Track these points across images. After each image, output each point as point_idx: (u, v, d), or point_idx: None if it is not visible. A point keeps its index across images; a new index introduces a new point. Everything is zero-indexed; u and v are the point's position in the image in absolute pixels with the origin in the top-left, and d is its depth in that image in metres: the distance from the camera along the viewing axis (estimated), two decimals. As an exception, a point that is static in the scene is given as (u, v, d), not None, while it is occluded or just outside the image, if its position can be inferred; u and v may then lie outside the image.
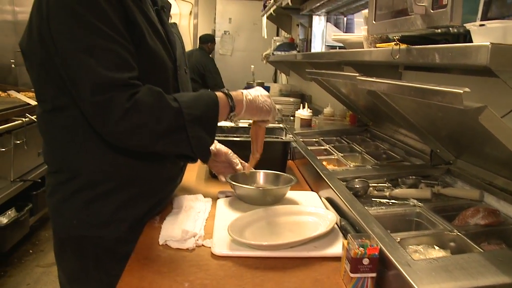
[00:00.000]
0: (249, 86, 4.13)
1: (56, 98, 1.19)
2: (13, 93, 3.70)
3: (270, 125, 2.34)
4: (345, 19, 4.04)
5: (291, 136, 1.91)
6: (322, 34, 3.90)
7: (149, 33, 1.21)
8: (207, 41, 6.25)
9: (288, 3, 3.36)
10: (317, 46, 3.89)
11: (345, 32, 4.00)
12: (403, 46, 1.34)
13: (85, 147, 1.22)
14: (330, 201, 1.47)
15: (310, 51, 3.84)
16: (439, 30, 1.31)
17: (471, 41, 1.12)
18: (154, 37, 1.24)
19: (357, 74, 1.57)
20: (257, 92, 1.36)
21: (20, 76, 4.51)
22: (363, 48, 1.83)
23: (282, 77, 5.51)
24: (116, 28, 1.11)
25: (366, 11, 1.76)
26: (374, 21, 1.59)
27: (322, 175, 1.59)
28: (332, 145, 2.23)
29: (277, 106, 3.31)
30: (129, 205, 1.28)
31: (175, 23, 1.52)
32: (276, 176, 1.61)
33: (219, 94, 1.26)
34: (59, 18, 1.09)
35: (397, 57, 1.35)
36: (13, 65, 4.47)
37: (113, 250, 1.26)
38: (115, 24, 1.11)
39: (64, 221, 1.27)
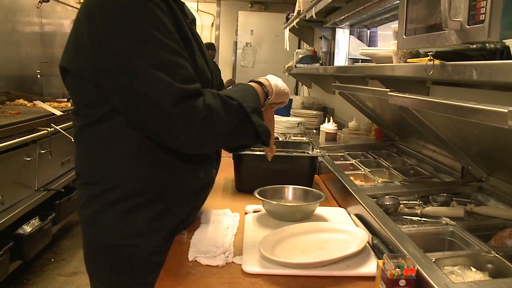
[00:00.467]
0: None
1: (100, 111, 1.21)
2: (39, 103, 3.76)
3: (297, 138, 2.33)
4: (368, 32, 4.02)
5: (318, 150, 1.88)
6: (345, 47, 3.88)
7: (195, 48, 1.27)
8: (208, 48, 6.33)
9: (312, 16, 3.35)
10: (340, 59, 3.88)
11: (369, 45, 3.99)
12: (437, 62, 1.31)
13: (124, 159, 1.24)
14: (360, 218, 1.45)
15: (333, 64, 3.83)
16: (474, 46, 1.28)
17: (509, 57, 1.09)
18: (198, 51, 1.29)
19: (387, 90, 1.54)
20: (273, 77, 1.43)
21: (45, 86, 4.59)
22: (392, 62, 1.81)
23: (304, 90, 5.50)
24: (178, 42, 1.17)
25: (395, 25, 1.74)
26: (405, 35, 1.57)
27: (352, 191, 1.57)
28: (358, 160, 2.21)
29: (300, 119, 3.33)
30: (164, 215, 1.30)
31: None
32: (305, 191, 1.59)
33: (252, 84, 1.36)
34: (123, 35, 1.12)
35: (431, 73, 1.33)
36: (39, 76, 4.56)
37: (147, 260, 1.27)
38: (177, 38, 1.17)
39: (99, 231, 1.29)
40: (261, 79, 1.39)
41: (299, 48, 5.86)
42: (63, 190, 3.40)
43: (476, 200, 1.55)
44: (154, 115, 1.13)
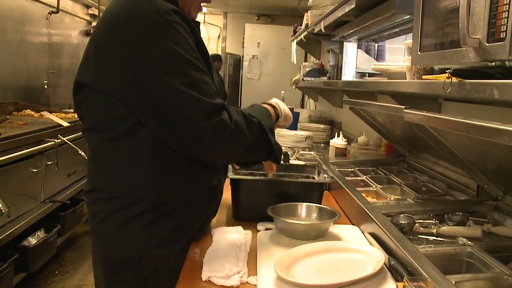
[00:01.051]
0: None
1: (124, 125, 1.24)
2: (46, 114, 3.76)
3: (301, 162, 2.29)
4: (376, 45, 4.02)
5: (325, 175, 1.82)
6: (353, 60, 3.87)
7: (211, 64, 1.33)
8: (214, 60, 6.37)
9: (321, 29, 3.35)
10: (348, 73, 3.87)
11: (376, 59, 3.98)
12: (455, 79, 1.29)
13: (148, 172, 1.27)
14: (375, 237, 1.42)
15: (341, 77, 3.82)
16: (492, 63, 1.26)
17: (530, 75, 1.07)
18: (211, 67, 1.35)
19: (402, 107, 1.52)
20: (279, 102, 1.57)
21: (52, 96, 4.60)
22: (405, 77, 1.79)
23: (310, 103, 5.49)
24: (200, 60, 1.23)
25: (409, 41, 1.73)
26: (419, 51, 1.56)
27: (365, 209, 1.54)
28: (369, 176, 2.18)
29: (308, 133, 3.31)
30: (185, 223, 1.35)
31: None
32: (319, 209, 1.56)
33: (266, 106, 1.49)
34: (150, 55, 1.15)
35: (449, 90, 1.31)
36: (46, 86, 4.56)
37: (170, 267, 1.31)
38: (199, 56, 1.23)
39: (123, 244, 1.30)
40: (273, 103, 1.53)
41: (305, 61, 5.87)
42: (68, 202, 3.37)
43: (492, 219, 1.52)
44: (184, 129, 1.19)
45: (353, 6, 2.43)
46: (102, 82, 1.21)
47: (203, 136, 1.20)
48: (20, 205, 2.88)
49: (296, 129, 3.84)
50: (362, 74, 3.87)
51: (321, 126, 3.70)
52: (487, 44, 1.17)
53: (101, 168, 1.34)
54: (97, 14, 5.20)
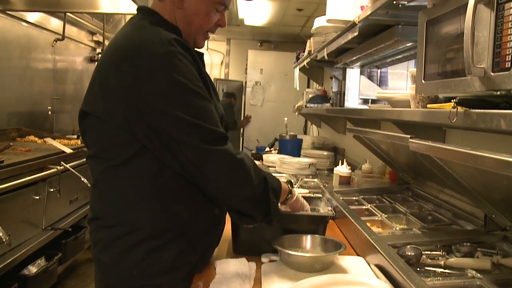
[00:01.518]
0: (282, 138, 4.11)
1: (127, 153, 1.25)
2: (49, 140, 3.76)
3: (305, 191, 2.25)
4: (379, 71, 4.03)
5: (329, 208, 1.78)
6: (356, 87, 3.88)
7: (212, 94, 1.34)
8: (230, 96, 6.49)
9: (324, 56, 3.36)
10: (351, 99, 3.87)
11: (379, 85, 3.99)
12: (461, 109, 1.28)
13: (150, 200, 1.27)
14: (381, 269, 1.39)
15: (344, 104, 3.82)
16: (498, 92, 1.25)
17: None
18: (214, 95, 1.36)
19: (408, 136, 1.51)
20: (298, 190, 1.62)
21: (56, 122, 4.61)
22: (409, 105, 1.78)
23: (313, 129, 5.48)
24: (203, 89, 1.25)
25: (413, 69, 1.73)
26: (424, 80, 1.55)
27: (371, 240, 1.51)
28: (374, 204, 2.15)
29: (312, 160, 3.29)
30: (186, 252, 1.33)
31: None
32: (323, 240, 1.53)
33: (282, 180, 1.48)
34: (154, 84, 1.18)
35: (454, 120, 1.29)
36: (49, 112, 4.58)
37: None
38: (202, 85, 1.25)
39: (123, 273, 1.29)
40: (292, 189, 1.56)
41: (308, 87, 5.89)
42: (70, 229, 3.34)
43: (502, 250, 1.49)
44: (186, 155, 1.20)
45: (356, 34, 2.44)
46: (107, 110, 1.23)
47: (205, 162, 1.21)
48: (21, 233, 2.86)
49: (299, 156, 3.83)
50: (365, 100, 3.87)
51: (324, 153, 3.68)
52: (492, 74, 1.17)
53: (102, 196, 1.35)
54: (102, 40, 5.25)
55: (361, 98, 3.90)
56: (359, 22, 2.35)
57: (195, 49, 1.40)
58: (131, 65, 1.19)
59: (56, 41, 4.33)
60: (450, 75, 1.39)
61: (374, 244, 1.48)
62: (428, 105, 1.55)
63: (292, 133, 4.16)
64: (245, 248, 1.57)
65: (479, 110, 1.20)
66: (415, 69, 1.66)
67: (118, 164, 1.27)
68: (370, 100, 3.87)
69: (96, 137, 1.31)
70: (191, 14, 1.35)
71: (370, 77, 4.02)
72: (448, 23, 1.41)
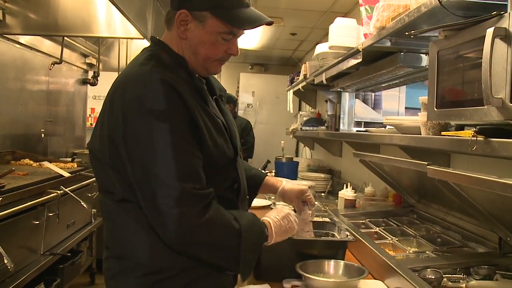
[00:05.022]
0: (278, 161, 4.14)
1: (125, 193, 1.27)
2: (46, 164, 3.72)
3: (320, 219, 2.25)
4: (373, 95, 4.12)
5: (347, 233, 1.81)
6: (351, 110, 3.95)
7: (211, 135, 1.31)
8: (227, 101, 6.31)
9: (322, 81, 3.43)
10: (345, 122, 3.93)
11: (373, 108, 4.07)
12: (481, 137, 1.33)
13: (145, 237, 1.27)
14: (405, 293, 1.41)
15: (339, 126, 3.88)
16: (514, 121, 1.30)
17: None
18: (217, 135, 1.34)
19: (425, 163, 1.55)
20: (283, 219, 1.43)
21: (50, 145, 4.56)
22: (419, 132, 1.82)
23: (306, 151, 5.53)
24: (186, 137, 1.23)
25: (424, 97, 1.78)
26: (436, 108, 1.60)
27: (391, 264, 1.54)
28: (382, 227, 2.19)
29: (310, 183, 3.32)
30: (191, 286, 1.31)
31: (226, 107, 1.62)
32: (346, 265, 1.56)
33: (266, 222, 1.39)
34: (134, 127, 1.20)
35: (474, 148, 1.34)
36: (43, 135, 4.54)
37: None
38: (186, 133, 1.22)
39: None
40: (271, 218, 1.41)
41: (300, 109, 5.95)
42: (69, 254, 3.30)
43: (518, 273, 1.53)
44: (144, 203, 1.22)
45: (359, 60, 2.50)
46: (102, 152, 1.28)
47: (158, 221, 1.21)
48: (21, 259, 2.80)
49: (296, 179, 3.85)
50: (358, 123, 3.94)
51: (322, 176, 3.72)
52: (510, 104, 1.22)
53: (109, 228, 1.37)
54: (95, 63, 5.25)
55: (356, 121, 3.97)
56: (363, 49, 2.42)
57: (201, 76, 1.43)
58: (116, 104, 1.23)
59: (53, 64, 4.32)
60: (465, 104, 1.43)
61: (395, 268, 1.51)
62: (443, 133, 1.59)
63: (288, 156, 4.19)
64: (267, 274, 1.58)
65: (501, 140, 1.24)
66: (426, 97, 1.72)
67: (117, 201, 1.30)
68: (363, 123, 3.95)
69: (98, 173, 1.35)
70: (196, 45, 1.35)
71: (364, 100, 4.10)
72: (462, 54, 1.46)
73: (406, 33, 1.77)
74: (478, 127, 1.37)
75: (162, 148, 1.19)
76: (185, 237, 1.20)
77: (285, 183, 1.75)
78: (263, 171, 4.37)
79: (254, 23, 1.34)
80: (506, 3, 1.31)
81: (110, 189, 1.31)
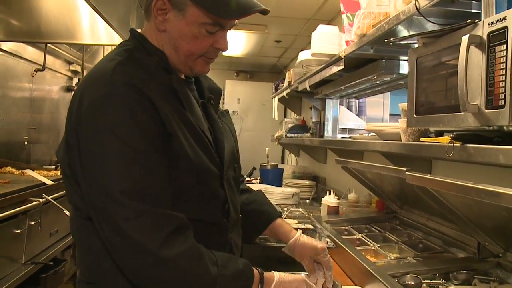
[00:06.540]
0: (263, 168, 4.14)
1: (87, 208, 1.13)
2: (28, 172, 3.67)
3: (302, 226, 2.23)
4: (357, 102, 4.15)
5: (327, 240, 1.81)
6: (335, 116, 3.97)
7: (189, 143, 1.15)
8: None
9: (306, 88, 3.45)
10: (330, 129, 3.96)
11: (357, 115, 4.11)
12: (458, 143, 1.34)
13: (114, 263, 1.12)
14: (385, 299, 1.42)
15: (323, 133, 3.90)
16: (490, 127, 1.32)
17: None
18: (197, 145, 1.18)
19: (404, 169, 1.57)
20: (292, 283, 1.24)
21: (33, 153, 4.52)
22: (399, 138, 1.84)
23: (291, 158, 5.54)
24: (147, 148, 1.07)
25: (404, 103, 1.80)
26: (415, 114, 1.62)
27: (371, 270, 1.55)
28: (364, 234, 2.20)
29: (294, 190, 3.32)
30: None
31: (226, 111, 1.47)
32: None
33: (256, 274, 1.18)
34: (86, 133, 1.08)
35: (452, 154, 1.35)
36: (26, 142, 4.49)
37: None
38: (148, 143, 1.07)
39: None
40: (267, 276, 1.21)
41: (285, 116, 5.97)
42: (51, 263, 3.25)
43: (497, 277, 1.54)
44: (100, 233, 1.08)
45: (341, 67, 2.52)
46: (63, 160, 1.18)
47: (115, 250, 1.07)
48: (0, 269, 2.76)
49: (281, 185, 3.86)
50: (343, 130, 3.97)
51: (307, 182, 3.73)
52: (486, 111, 1.23)
53: (79, 249, 1.23)
54: (79, 70, 5.22)
55: (340, 128, 4.00)
56: (344, 56, 2.44)
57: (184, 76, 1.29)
58: (73, 105, 1.13)
59: (36, 72, 4.28)
60: (442, 110, 1.45)
61: (375, 274, 1.51)
62: (422, 139, 1.61)
63: (273, 163, 4.20)
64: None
65: (478, 146, 1.26)
66: (406, 103, 1.74)
67: (85, 218, 1.14)
68: (348, 130, 3.97)
69: (65, 184, 1.20)
70: (176, 38, 1.17)
71: (348, 107, 4.13)
72: (440, 61, 1.48)
73: (386, 40, 1.79)
74: (455, 133, 1.39)
75: (113, 158, 1.04)
76: (139, 273, 1.05)
77: (300, 235, 1.47)
78: (251, 178, 4.41)
79: (242, 11, 1.14)
80: (480, 11, 1.33)
81: (77, 204, 1.17)
